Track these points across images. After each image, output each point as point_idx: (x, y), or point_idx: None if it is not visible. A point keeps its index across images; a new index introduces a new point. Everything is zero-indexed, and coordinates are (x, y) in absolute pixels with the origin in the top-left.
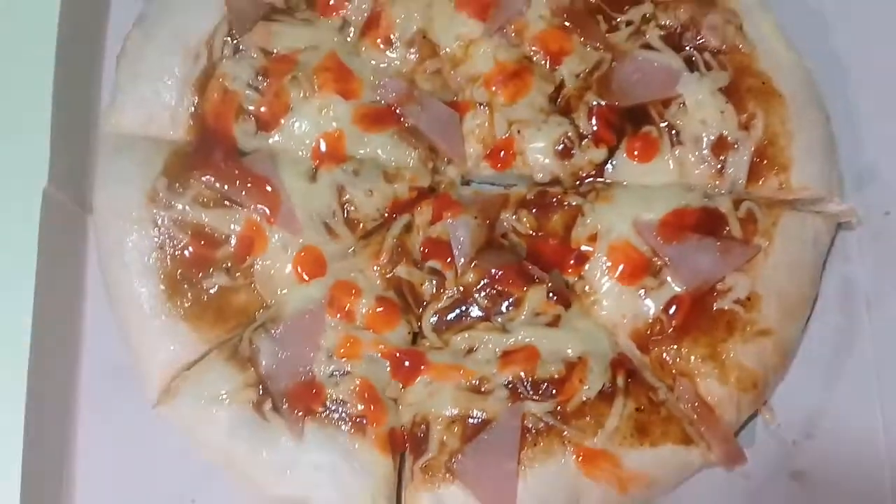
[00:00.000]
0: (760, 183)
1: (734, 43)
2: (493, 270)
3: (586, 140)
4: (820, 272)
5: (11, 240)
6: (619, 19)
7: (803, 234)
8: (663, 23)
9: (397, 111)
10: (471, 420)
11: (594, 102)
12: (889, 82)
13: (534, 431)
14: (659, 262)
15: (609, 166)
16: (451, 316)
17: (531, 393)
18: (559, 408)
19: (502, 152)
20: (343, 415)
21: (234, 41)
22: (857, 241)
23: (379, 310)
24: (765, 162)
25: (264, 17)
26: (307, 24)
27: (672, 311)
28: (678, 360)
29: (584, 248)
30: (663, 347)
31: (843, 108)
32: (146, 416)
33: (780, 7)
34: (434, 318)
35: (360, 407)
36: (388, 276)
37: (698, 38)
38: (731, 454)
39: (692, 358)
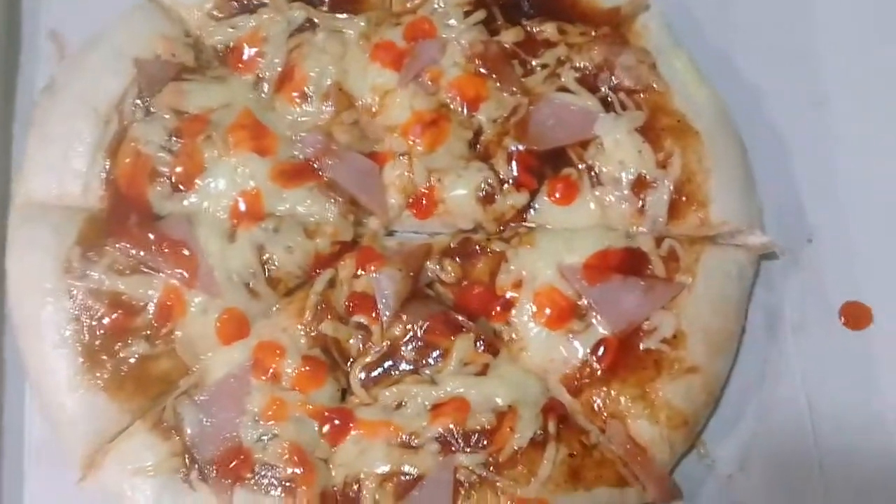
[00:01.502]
0: (681, 220)
1: (648, 82)
2: (420, 322)
3: (507, 185)
4: (745, 305)
5: None
6: (534, 63)
7: (726, 268)
8: (578, 65)
9: (315, 165)
10: (403, 476)
11: (513, 147)
12: (805, 111)
13: (466, 484)
14: (584, 305)
15: (531, 210)
16: (378, 371)
17: (462, 445)
18: (491, 458)
19: (424, 201)
20: (272, 479)
21: (145, 103)
22: (780, 269)
23: (305, 369)
24: (684, 199)
25: (175, 78)
26: (220, 81)
27: (600, 353)
28: (608, 402)
29: (509, 294)
30: (593, 390)
31: (762, 138)
32: (71, 491)
33: (693, 43)
34: (362, 374)
35: (289, 470)
36: (312, 333)
37: (613, 78)
38: (667, 493)
39: (622, 399)
